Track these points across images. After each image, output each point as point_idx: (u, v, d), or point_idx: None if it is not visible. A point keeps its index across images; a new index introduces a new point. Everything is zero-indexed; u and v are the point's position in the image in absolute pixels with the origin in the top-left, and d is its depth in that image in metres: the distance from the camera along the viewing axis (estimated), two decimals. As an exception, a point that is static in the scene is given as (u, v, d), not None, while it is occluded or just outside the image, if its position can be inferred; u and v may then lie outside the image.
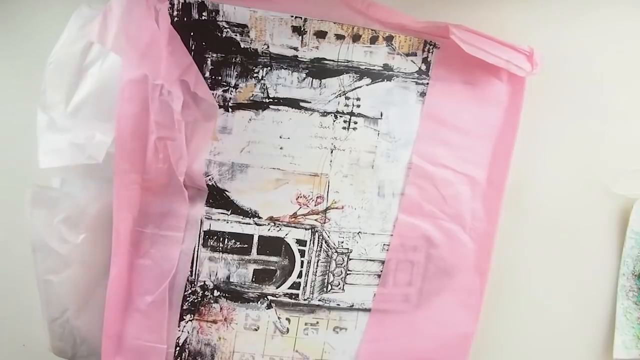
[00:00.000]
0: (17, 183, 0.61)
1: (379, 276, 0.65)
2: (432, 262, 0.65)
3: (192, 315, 0.63)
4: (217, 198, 0.61)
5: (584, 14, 0.65)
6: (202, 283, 0.63)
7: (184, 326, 0.63)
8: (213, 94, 0.59)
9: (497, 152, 0.64)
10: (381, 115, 0.62)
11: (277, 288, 0.64)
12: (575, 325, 0.69)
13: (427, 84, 0.62)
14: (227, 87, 0.60)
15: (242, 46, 0.59)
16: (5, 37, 0.66)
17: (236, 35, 0.58)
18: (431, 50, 0.61)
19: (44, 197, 0.59)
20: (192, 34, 0.58)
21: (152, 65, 0.55)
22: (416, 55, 0.61)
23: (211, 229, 0.62)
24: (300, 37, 0.59)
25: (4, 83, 0.67)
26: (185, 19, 0.57)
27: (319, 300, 0.65)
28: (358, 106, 0.62)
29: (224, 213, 0.62)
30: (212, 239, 0.62)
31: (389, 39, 0.60)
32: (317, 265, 0.64)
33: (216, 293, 0.63)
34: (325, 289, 0.65)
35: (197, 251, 0.62)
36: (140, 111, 0.57)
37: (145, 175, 0.59)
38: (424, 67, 0.62)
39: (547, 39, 0.64)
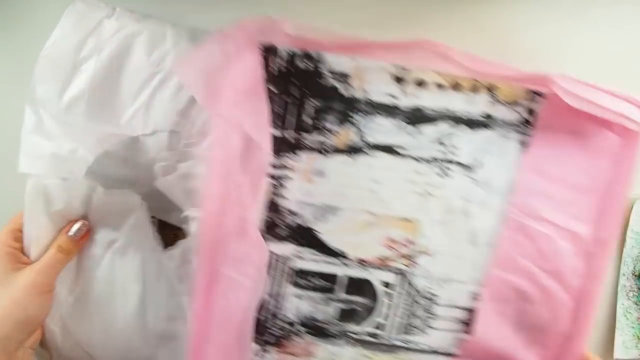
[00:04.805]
0: (17, 182, 0.59)
1: (466, 324, 0.63)
2: (524, 317, 0.62)
3: (273, 347, 0.65)
4: (307, 238, 0.62)
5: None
6: (286, 317, 0.64)
7: (264, 356, 0.65)
8: (311, 138, 0.60)
9: (605, 207, 0.60)
10: (479, 163, 0.60)
11: (359, 327, 0.64)
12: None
13: (530, 133, 0.60)
14: (324, 132, 0.60)
15: (342, 93, 0.59)
16: (2, 35, 0.65)
17: (337, 82, 0.59)
18: (536, 100, 0.59)
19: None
20: (293, 81, 0.59)
21: (251, 118, 0.55)
22: (519, 105, 0.59)
23: (299, 267, 0.63)
24: (400, 85, 0.59)
25: (3, 81, 0.66)
26: (291, 68, 0.59)
27: (401, 341, 0.64)
28: (455, 154, 0.60)
29: (313, 253, 0.63)
30: (299, 276, 0.63)
31: (490, 88, 0.59)
32: (401, 308, 0.64)
33: (299, 328, 0.64)
34: (407, 331, 0.64)
35: (284, 287, 0.64)
36: (225, 191, 0.56)
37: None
38: (527, 117, 0.59)
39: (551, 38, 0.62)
